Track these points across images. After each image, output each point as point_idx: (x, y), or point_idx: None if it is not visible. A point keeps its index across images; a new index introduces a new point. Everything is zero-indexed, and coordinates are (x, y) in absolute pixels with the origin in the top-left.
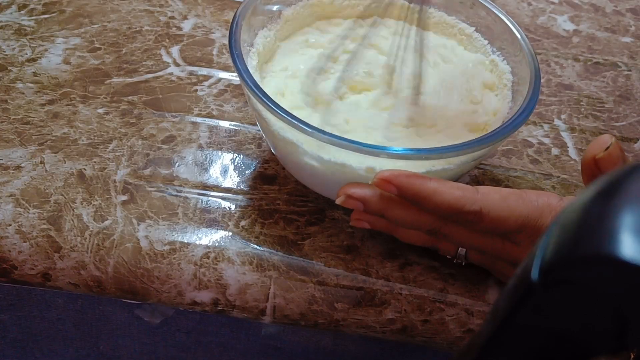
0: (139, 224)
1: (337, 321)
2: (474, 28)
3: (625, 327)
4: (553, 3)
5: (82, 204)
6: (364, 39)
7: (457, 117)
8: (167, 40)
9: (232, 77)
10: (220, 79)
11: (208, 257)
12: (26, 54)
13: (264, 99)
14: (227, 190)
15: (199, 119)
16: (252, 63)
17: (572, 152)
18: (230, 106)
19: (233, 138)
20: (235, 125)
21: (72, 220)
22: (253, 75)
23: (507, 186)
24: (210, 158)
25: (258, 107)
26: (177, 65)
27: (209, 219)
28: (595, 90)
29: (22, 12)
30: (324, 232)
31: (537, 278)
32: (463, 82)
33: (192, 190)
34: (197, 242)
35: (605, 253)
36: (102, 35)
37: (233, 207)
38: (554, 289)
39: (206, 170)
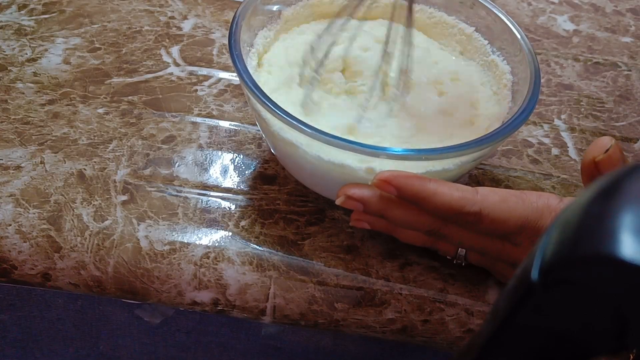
0: (139, 224)
1: (337, 321)
2: (474, 28)
3: (625, 327)
4: (553, 3)
5: (82, 204)
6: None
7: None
8: (167, 40)
9: (232, 77)
10: (220, 79)
11: (208, 257)
12: (26, 54)
13: (264, 100)
14: (227, 190)
15: (199, 119)
16: (252, 63)
17: (572, 152)
18: (230, 106)
19: (233, 138)
20: (235, 125)
21: (72, 220)
22: (253, 75)
23: (507, 186)
24: (210, 158)
25: (258, 108)
26: (177, 65)
27: (209, 219)
28: (595, 90)
29: (22, 12)
30: (324, 232)
31: (537, 278)
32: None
33: (192, 190)
34: (197, 242)
35: (605, 253)
36: (102, 35)
37: (233, 207)
38: (554, 289)
39: (206, 170)
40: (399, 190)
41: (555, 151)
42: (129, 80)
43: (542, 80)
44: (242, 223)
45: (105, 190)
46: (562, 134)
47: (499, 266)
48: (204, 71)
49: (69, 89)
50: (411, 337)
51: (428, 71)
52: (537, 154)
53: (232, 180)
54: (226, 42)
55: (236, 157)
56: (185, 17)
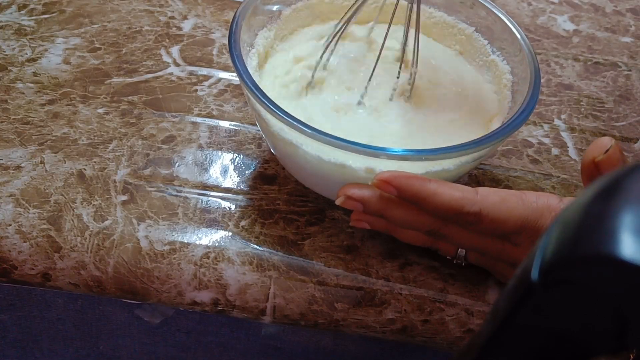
0: (139, 224)
1: (337, 321)
2: (474, 28)
3: (625, 327)
4: (553, 3)
5: (82, 204)
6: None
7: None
8: (167, 40)
9: (232, 77)
10: (220, 79)
11: (208, 257)
12: (26, 54)
13: (264, 100)
14: (227, 190)
15: (199, 119)
16: (252, 63)
17: (572, 152)
18: (230, 106)
19: (233, 138)
20: (235, 125)
21: (72, 220)
22: (253, 75)
23: (507, 186)
24: (210, 158)
25: (258, 108)
26: (177, 65)
27: (209, 219)
28: (595, 90)
29: (22, 12)
30: (324, 232)
31: (537, 278)
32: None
33: (192, 190)
34: (197, 242)
35: (605, 253)
36: (102, 35)
37: (233, 207)
38: (554, 289)
39: (206, 170)
40: (399, 191)
41: (555, 151)
42: (129, 80)
43: (542, 80)
44: (242, 223)
45: (105, 190)
46: (562, 134)
47: (499, 266)
48: (204, 71)
49: (69, 89)
50: (411, 337)
51: (431, 72)
52: (537, 154)
53: (232, 180)
54: (226, 42)
55: (236, 157)
56: (185, 17)
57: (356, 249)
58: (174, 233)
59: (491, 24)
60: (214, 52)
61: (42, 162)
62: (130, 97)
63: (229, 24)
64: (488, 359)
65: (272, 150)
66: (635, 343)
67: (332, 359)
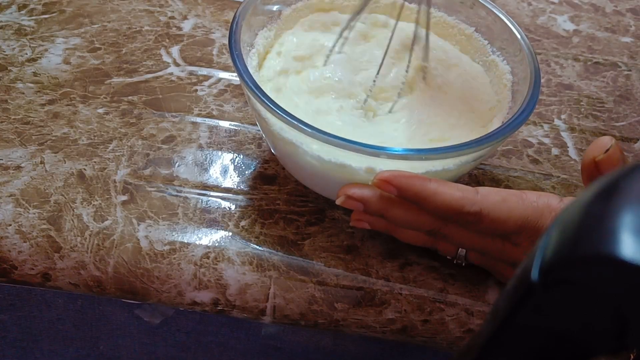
0: (139, 224)
1: (337, 321)
2: (474, 28)
3: (625, 327)
4: (553, 3)
5: (82, 204)
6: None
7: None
8: (167, 40)
9: (232, 77)
10: (220, 79)
11: (208, 257)
12: (26, 54)
13: (264, 99)
14: (227, 190)
15: (199, 119)
16: (252, 63)
17: (572, 152)
18: (230, 106)
19: (233, 138)
20: (235, 125)
21: (72, 220)
22: (253, 75)
23: (507, 186)
24: (210, 158)
25: (258, 107)
26: (177, 65)
27: (209, 219)
28: (595, 90)
29: (22, 12)
30: (324, 232)
31: (537, 278)
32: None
33: (192, 190)
34: (197, 242)
35: (605, 253)
36: (102, 35)
37: (233, 207)
38: (554, 289)
39: (206, 170)
40: (399, 190)
41: (555, 151)
42: (129, 80)
43: (542, 80)
44: (242, 223)
45: (105, 190)
46: (562, 134)
47: (499, 266)
48: (204, 71)
49: (69, 89)
50: (411, 337)
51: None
52: (537, 154)
53: (232, 180)
54: (226, 42)
55: (236, 157)
56: (185, 17)
57: (356, 249)
58: (174, 233)
59: (491, 24)
60: (214, 52)
61: (42, 162)
62: (130, 97)
63: (229, 24)
64: (488, 359)
65: (272, 150)
66: (635, 343)
67: (332, 359)
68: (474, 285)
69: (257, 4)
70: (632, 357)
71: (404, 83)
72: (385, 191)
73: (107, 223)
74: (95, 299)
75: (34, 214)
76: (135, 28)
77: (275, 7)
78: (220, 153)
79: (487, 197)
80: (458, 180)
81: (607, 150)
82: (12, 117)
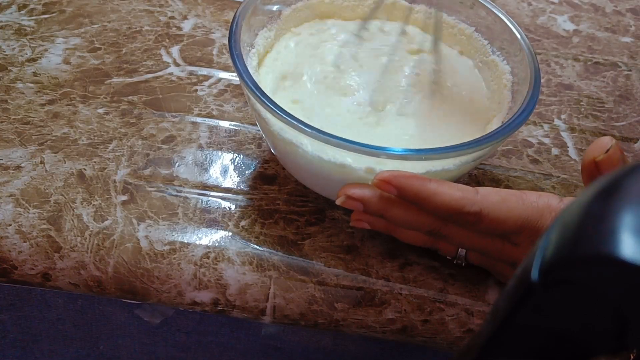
0: (139, 224)
1: (337, 321)
2: (474, 28)
3: (625, 327)
4: (553, 3)
5: (82, 204)
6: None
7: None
8: (167, 40)
9: (232, 77)
10: (220, 79)
11: (208, 257)
12: (26, 54)
13: (264, 100)
14: (227, 190)
15: (199, 119)
16: (252, 63)
17: (572, 152)
18: (230, 106)
19: (233, 138)
20: (235, 125)
21: (72, 220)
22: (253, 75)
23: (507, 186)
24: (210, 158)
25: (258, 108)
26: (177, 65)
27: (209, 219)
28: (595, 90)
29: (22, 12)
30: (324, 232)
31: (537, 278)
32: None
33: (192, 190)
34: (197, 242)
35: (605, 253)
36: (102, 35)
37: (233, 207)
38: (554, 289)
39: (206, 170)
40: (399, 190)
41: (555, 151)
42: (129, 80)
43: (542, 80)
44: (242, 223)
45: (105, 190)
46: (562, 134)
47: (499, 266)
48: (204, 71)
49: (69, 89)
50: (411, 337)
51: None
52: (537, 154)
53: (232, 180)
54: (226, 42)
55: (236, 157)
56: (185, 17)
57: (356, 249)
58: (174, 233)
59: (491, 24)
60: (214, 52)
61: (42, 162)
62: (130, 97)
63: (229, 24)
64: (488, 359)
65: (272, 150)
66: (635, 343)
67: (332, 359)
68: (474, 285)
69: (257, 4)
70: (632, 357)
71: (410, 85)
72: (385, 191)
73: (107, 223)
74: (95, 299)
75: (34, 214)
76: (135, 28)
77: (275, 7)
78: (220, 153)
79: (487, 197)
80: (458, 180)
81: (608, 150)
82: (12, 117)
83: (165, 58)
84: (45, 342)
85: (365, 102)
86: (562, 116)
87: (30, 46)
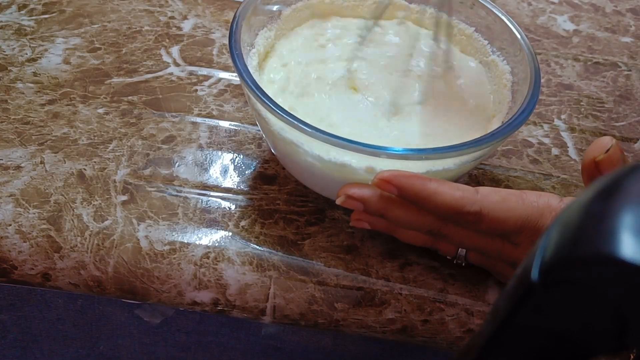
0: (139, 224)
1: (337, 321)
2: (474, 28)
3: (625, 327)
4: (553, 3)
5: (82, 204)
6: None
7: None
8: (167, 40)
9: (232, 77)
10: (220, 79)
11: (208, 257)
12: (26, 54)
13: (264, 99)
14: (227, 190)
15: (199, 119)
16: (252, 63)
17: (572, 152)
18: (230, 106)
19: (233, 138)
20: (235, 125)
21: (72, 220)
22: (253, 75)
23: (507, 186)
24: (210, 158)
25: (258, 107)
26: (177, 65)
27: (209, 219)
28: (595, 90)
29: (22, 12)
30: (324, 232)
31: (537, 278)
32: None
33: (192, 190)
34: (197, 242)
35: (605, 253)
36: (102, 35)
37: (233, 207)
38: (554, 289)
39: (206, 170)
40: (399, 190)
41: (555, 151)
42: (129, 80)
43: (542, 80)
44: (242, 223)
45: (105, 190)
46: (562, 134)
47: (499, 266)
48: (204, 71)
49: (69, 89)
50: (411, 337)
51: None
52: (537, 154)
53: (232, 180)
54: (226, 42)
55: (236, 157)
56: (185, 17)
57: (356, 249)
58: (174, 233)
59: (491, 24)
60: (214, 52)
61: (42, 162)
62: (130, 97)
63: (229, 24)
64: (488, 359)
65: (272, 150)
66: (635, 343)
67: (332, 359)
68: (474, 285)
69: (257, 4)
70: (632, 357)
71: (420, 87)
72: (385, 191)
73: (107, 223)
74: (95, 299)
75: (34, 214)
76: (135, 28)
77: (275, 7)
78: (220, 153)
79: (487, 197)
80: (458, 180)
81: (608, 150)
82: (12, 117)
83: (165, 58)
84: (45, 342)
85: (376, 103)
86: (562, 116)
87: (30, 46)
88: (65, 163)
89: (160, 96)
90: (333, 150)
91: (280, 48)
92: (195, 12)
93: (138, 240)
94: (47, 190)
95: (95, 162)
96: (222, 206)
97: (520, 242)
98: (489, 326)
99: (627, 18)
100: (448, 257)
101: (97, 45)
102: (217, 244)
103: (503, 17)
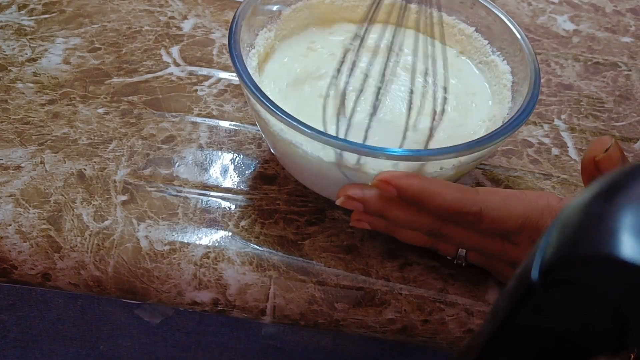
0: (139, 224)
1: (337, 321)
2: (474, 28)
3: (625, 327)
4: (553, 3)
5: (82, 204)
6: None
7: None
8: (167, 40)
9: (232, 77)
10: (220, 79)
11: (208, 257)
12: (26, 54)
13: (264, 100)
14: (227, 190)
15: (199, 119)
16: (252, 64)
17: (572, 152)
18: (230, 106)
19: (233, 138)
20: (235, 125)
21: (72, 220)
22: (253, 76)
23: (507, 186)
24: (210, 158)
25: (257, 108)
26: (177, 65)
27: (209, 219)
28: (595, 90)
29: (22, 12)
30: (324, 232)
31: (537, 278)
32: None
33: (192, 190)
34: (197, 242)
35: (605, 253)
36: (102, 35)
37: (233, 207)
38: (554, 289)
39: (206, 170)
40: (399, 191)
41: (555, 151)
42: (129, 80)
43: (542, 80)
44: (242, 223)
45: (105, 190)
46: (562, 134)
47: (499, 266)
48: (204, 71)
49: (69, 89)
50: (411, 337)
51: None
52: (537, 154)
53: (232, 180)
54: (226, 42)
55: (236, 157)
56: (185, 17)
57: (356, 249)
58: (174, 233)
59: (491, 24)
60: (214, 52)
61: (42, 162)
62: (130, 97)
63: (229, 24)
64: (488, 359)
65: (272, 150)
66: (635, 343)
67: (332, 359)
68: (474, 285)
69: (257, 4)
70: (632, 357)
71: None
72: (385, 191)
73: (107, 223)
74: (95, 299)
75: (34, 214)
76: (135, 28)
77: (275, 7)
78: (220, 153)
79: (487, 197)
80: (458, 180)
81: (607, 149)
82: (12, 117)
83: (165, 58)
84: (45, 342)
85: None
86: (562, 116)
87: (30, 46)
88: (65, 163)
89: (160, 96)
90: (332, 150)
91: (279, 53)
92: (195, 12)
93: (138, 240)
94: (47, 190)
95: (95, 162)
96: (222, 206)
97: (520, 242)
98: (489, 326)
99: (627, 18)
100: (448, 257)
101: (97, 45)
102: (217, 244)
103: (503, 17)
